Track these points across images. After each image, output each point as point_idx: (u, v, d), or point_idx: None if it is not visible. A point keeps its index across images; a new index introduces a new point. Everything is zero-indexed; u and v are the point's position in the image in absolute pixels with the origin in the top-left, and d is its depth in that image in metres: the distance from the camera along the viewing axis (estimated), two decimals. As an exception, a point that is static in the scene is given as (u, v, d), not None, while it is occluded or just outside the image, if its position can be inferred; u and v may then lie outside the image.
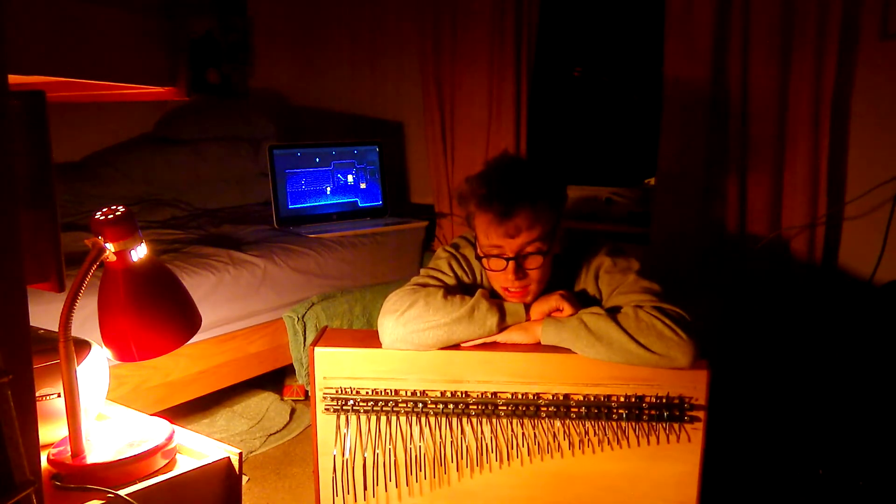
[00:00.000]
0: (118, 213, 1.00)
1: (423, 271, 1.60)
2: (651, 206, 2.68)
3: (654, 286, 1.46)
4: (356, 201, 3.04)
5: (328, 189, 2.97)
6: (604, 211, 2.92)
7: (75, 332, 0.98)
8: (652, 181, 2.83)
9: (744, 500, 1.91)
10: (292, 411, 2.69)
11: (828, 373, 1.92)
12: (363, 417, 1.46)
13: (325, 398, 1.46)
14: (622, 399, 1.42)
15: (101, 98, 1.54)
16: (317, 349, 1.45)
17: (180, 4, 1.03)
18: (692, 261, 2.53)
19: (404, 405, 1.45)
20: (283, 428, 2.59)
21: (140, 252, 1.02)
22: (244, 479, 2.24)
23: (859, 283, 2.31)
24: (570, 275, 1.56)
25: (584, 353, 1.39)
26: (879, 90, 2.26)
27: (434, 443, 1.46)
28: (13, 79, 0.77)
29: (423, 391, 1.44)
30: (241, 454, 1.04)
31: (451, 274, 1.56)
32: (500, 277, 1.47)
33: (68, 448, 1.00)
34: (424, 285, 1.51)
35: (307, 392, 2.76)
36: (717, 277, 2.50)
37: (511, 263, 1.43)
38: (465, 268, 1.59)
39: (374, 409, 1.45)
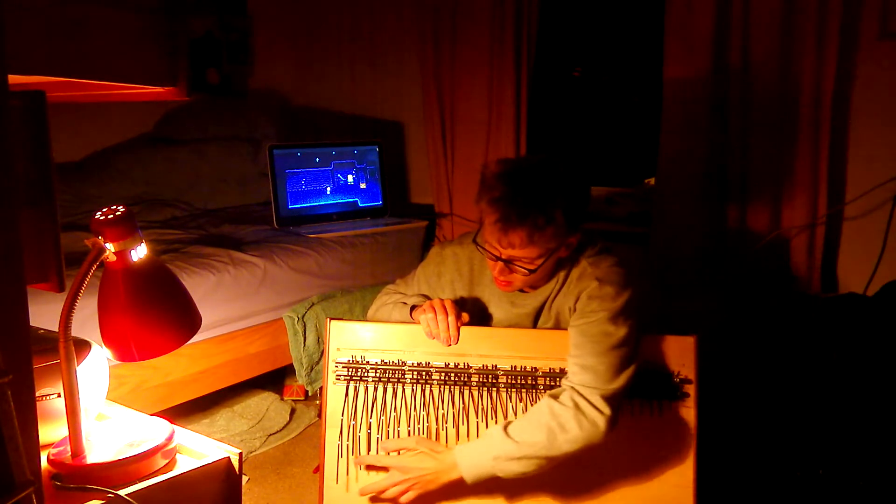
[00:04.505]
0: (118, 213, 1.00)
1: (398, 281, 1.75)
2: (651, 206, 2.68)
3: (618, 333, 1.41)
4: (356, 201, 3.04)
5: (328, 189, 2.97)
6: (604, 211, 2.92)
7: (75, 332, 0.98)
8: (652, 181, 2.83)
9: (744, 500, 1.92)
10: (292, 411, 2.69)
11: (828, 372, 1.92)
12: (370, 386, 1.52)
13: (336, 367, 1.52)
14: None
15: (101, 98, 1.54)
16: (332, 321, 1.54)
17: (180, 4, 1.03)
18: (692, 260, 2.53)
19: (410, 375, 1.51)
20: (283, 428, 2.59)
21: (140, 252, 1.02)
22: (244, 479, 2.24)
23: (859, 283, 2.31)
24: (566, 272, 1.55)
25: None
26: (879, 90, 2.26)
27: (436, 410, 1.51)
28: (13, 79, 0.77)
29: (428, 363, 1.51)
30: (241, 454, 1.04)
31: (416, 286, 1.67)
32: (490, 265, 1.52)
33: (68, 448, 1.00)
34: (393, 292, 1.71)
35: (307, 392, 2.76)
36: (717, 277, 2.50)
37: (500, 263, 1.46)
38: (452, 267, 1.63)
39: (382, 378, 1.52)
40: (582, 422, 1.37)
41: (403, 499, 1.45)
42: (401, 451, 1.49)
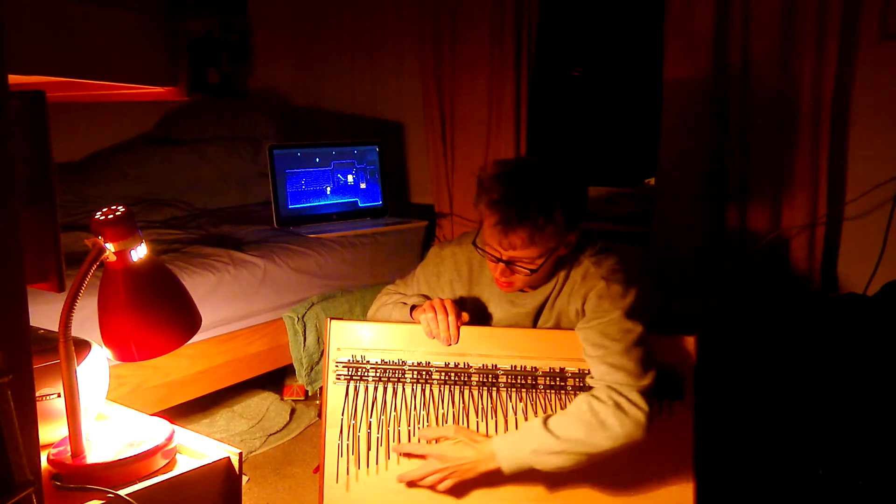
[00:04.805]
0: (118, 213, 1.00)
1: (398, 281, 1.76)
2: (651, 206, 2.68)
3: (635, 331, 1.42)
4: (356, 201, 3.04)
5: (328, 189, 2.97)
6: (604, 211, 2.92)
7: (75, 332, 0.98)
8: (652, 181, 2.83)
9: (744, 500, 1.91)
10: (292, 411, 2.69)
11: (828, 372, 1.92)
12: (371, 386, 1.52)
13: (337, 367, 1.52)
14: None
15: (101, 98, 1.55)
16: (332, 321, 1.54)
17: (180, 4, 1.03)
18: (692, 260, 2.53)
19: (410, 375, 1.51)
20: (283, 428, 2.59)
21: (140, 252, 1.02)
22: (244, 479, 2.24)
23: (859, 283, 2.31)
24: (566, 272, 1.55)
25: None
26: (879, 90, 2.26)
27: (436, 410, 1.51)
28: (13, 79, 0.77)
29: (428, 363, 1.52)
30: (241, 454, 1.04)
31: (416, 286, 1.68)
32: (490, 266, 1.52)
33: (68, 448, 1.00)
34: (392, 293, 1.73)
35: (307, 392, 2.76)
36: (717, 277, 2.50)
37: (500, 265, 1.47)
38: (451, 268, 1.63)
39: (382, 378, 1.52)
40: (623, 419, 1.37)
41: (441, 487, 1.46)
42: (439, 440, 1.49)
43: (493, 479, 1.47)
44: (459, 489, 1.48)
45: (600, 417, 1.37)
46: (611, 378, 1.41)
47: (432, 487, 1.47)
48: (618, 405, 1.38)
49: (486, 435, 1.48)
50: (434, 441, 1.49)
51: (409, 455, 1.50)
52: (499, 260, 1.46)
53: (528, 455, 1.40)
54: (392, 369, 1.52)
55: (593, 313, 1.47)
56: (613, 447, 1.38)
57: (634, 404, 1.38)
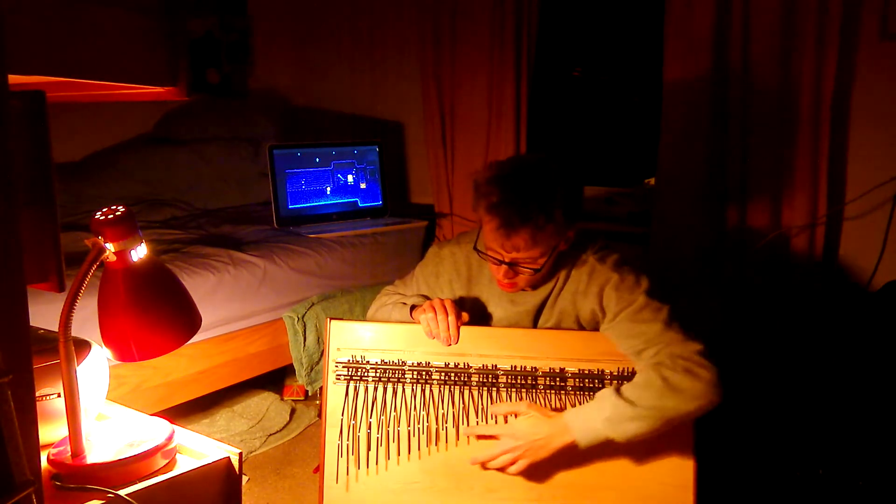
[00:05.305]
0: (118, 213, 1.00)
1: (397, 282, 1.77)
2: (651, 206, 2.68)
3: (665, 308, 1.44)
4: (356, 201, 3.04)
5: (328, 189, 2.97)
6: (604, 211, 2.92)
7: (75, 332, 0.98)
8: (652, 181, 2.83)
9: (744, 500, 1.91)
10: (292, 411, 2.69)
11: (828, 372, 1.92)
12: (370, 386, 1.52)
13: (336, 367, 1.52)
14: (615, 372, 1.48)
15: (101, 98, 1.54)
16: (332, 321, 1.54)
17: (180, 4, 1.03)
18: (692, 260, 2.53)
19: (410, 375, 1.51)
20: (283, 428, 2.59)
21: (140, 252, 1.02)
22: (244, 479, 2.24)
23: (859, 283, 2.31)
24: (567, 270, 1.55)
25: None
26: (879, 90, 2.26)
27: (436, 410, 1.51)
28: (13, 79, 0.77)
29: (428, 363, 1.51)
30: (241, 454, 1.04)
31: (415, 287, 1.69)
32: (493, 269, 1.53)
33: (68, 448, 1.00)
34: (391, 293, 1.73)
35: (307, 392, 2.76)
36: (717, 277, 2.50)
37: (504, 266, 1.47)
38: (450, 267, 1.64)
39: (382, 378, 1.52)
40: (695, 382, 1.36)
41: (513, 469, 1.43)
42: (507, 420, 1.47)
43: (496, 477, 1.47)
44: (461, 489, 1.48)
45: (672, 383, 1.36)
46: (668, 351, 1.40)
47: (503, 469, 1.44)
48: (687, 370, 1.37)
49: (558, 409, 1.46)
50: (504, 419, 1.47)
51: (480, 436, 1.48)
52: (501, 262, 1.46)
53: (603, 424, 1.37)
54: (392, 369, 1.52)
55: (616, 306, 1.47)
56: (690, 410, 1.37)
57: (703, 366, 1.37)
